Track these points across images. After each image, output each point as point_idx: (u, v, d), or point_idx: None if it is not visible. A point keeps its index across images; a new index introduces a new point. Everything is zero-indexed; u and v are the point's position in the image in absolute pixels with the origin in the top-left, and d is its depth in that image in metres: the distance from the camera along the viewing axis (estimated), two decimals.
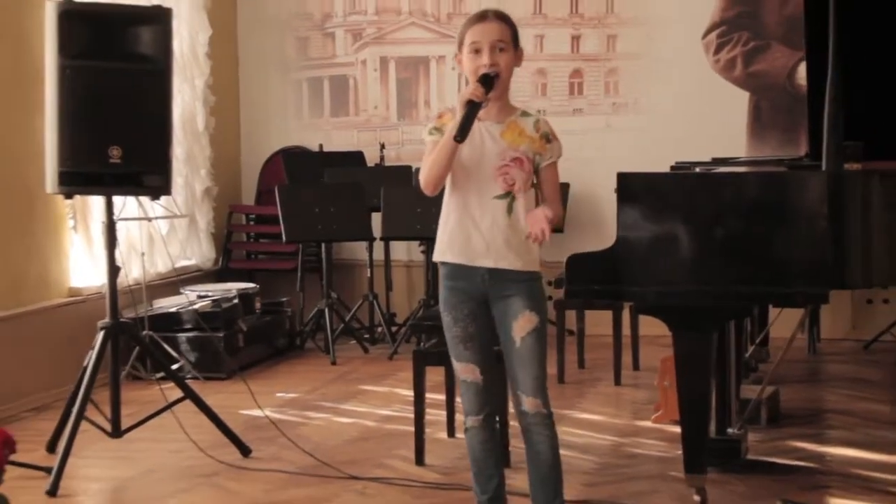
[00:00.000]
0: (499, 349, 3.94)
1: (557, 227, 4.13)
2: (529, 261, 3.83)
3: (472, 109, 3.69)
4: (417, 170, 8.00)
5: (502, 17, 3.88)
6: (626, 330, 6.75)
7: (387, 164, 8.36)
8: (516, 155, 3.78)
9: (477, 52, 3.80)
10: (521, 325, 3.80)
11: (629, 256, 4.39)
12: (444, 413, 5.48)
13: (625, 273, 4.31)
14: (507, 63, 3.82)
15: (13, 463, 3.63)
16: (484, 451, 3.94)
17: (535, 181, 3.86)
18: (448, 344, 3.96)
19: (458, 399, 5.49)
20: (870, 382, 6.68)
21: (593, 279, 4.46)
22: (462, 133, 3.69)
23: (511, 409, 4.14)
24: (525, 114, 3.89)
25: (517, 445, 4.34)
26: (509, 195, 3.79)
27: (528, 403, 3.82)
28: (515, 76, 3.98)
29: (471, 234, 3.84)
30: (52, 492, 4.70)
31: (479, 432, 3.93)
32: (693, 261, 4.41)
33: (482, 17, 3.85)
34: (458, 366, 3.93)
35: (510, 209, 3.79)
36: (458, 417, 5.53)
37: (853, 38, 4.60)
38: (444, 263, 3.91)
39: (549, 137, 3.84)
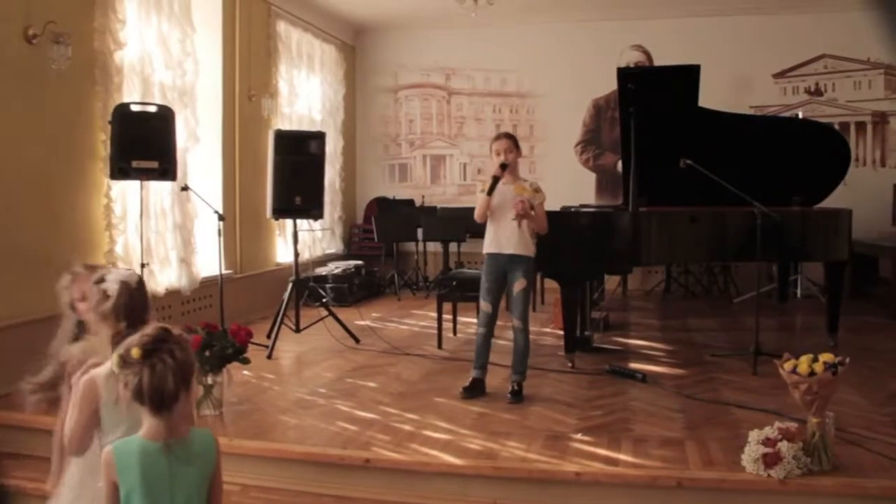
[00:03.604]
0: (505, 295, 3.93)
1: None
2: (528, 250, 3.82)
3: (495, 181, 3.77)
4: (442, 208, 8.14)
5: (508, 136, 3.86)
6: (538, 284, 6.70)
7: (426, 205, 8.33)
8: (521, 198, 3.78)
9: (497, 153, 3.81)
10: (517, 285, 3.81)
11: (544, 251, 4.42)
12: (451, 324, 5.50)
13: (541, 259, 4.29)
14: (513, 158, 3.81)
15: (252, 343, 3.71)
16: (483, 346, 3.92)
17: (533, 212, 3.81)
18: (480, 290, 3.91)
19: (458, 316, 5.59)
20: (648, 310, 6.69)
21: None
22: (489, 191, 3.76)
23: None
24: (525, 179, 3.90)
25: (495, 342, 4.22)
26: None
27: (516, 322, 3.84)
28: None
29: (500, 238, 3.84)
30: (269, 356, 4.79)
31: (483, 337, 3.91)
32: (571, 253, 4.44)
33: (498, 137, 3.85)
34: (482, 302, 3.91)
35: (519, 225, 3.80)
36: (459, 327, 5.56)
37: (643, 149, 4.66)
38: (487, 253, 3.89)
39: (537, 189, 3.85)
